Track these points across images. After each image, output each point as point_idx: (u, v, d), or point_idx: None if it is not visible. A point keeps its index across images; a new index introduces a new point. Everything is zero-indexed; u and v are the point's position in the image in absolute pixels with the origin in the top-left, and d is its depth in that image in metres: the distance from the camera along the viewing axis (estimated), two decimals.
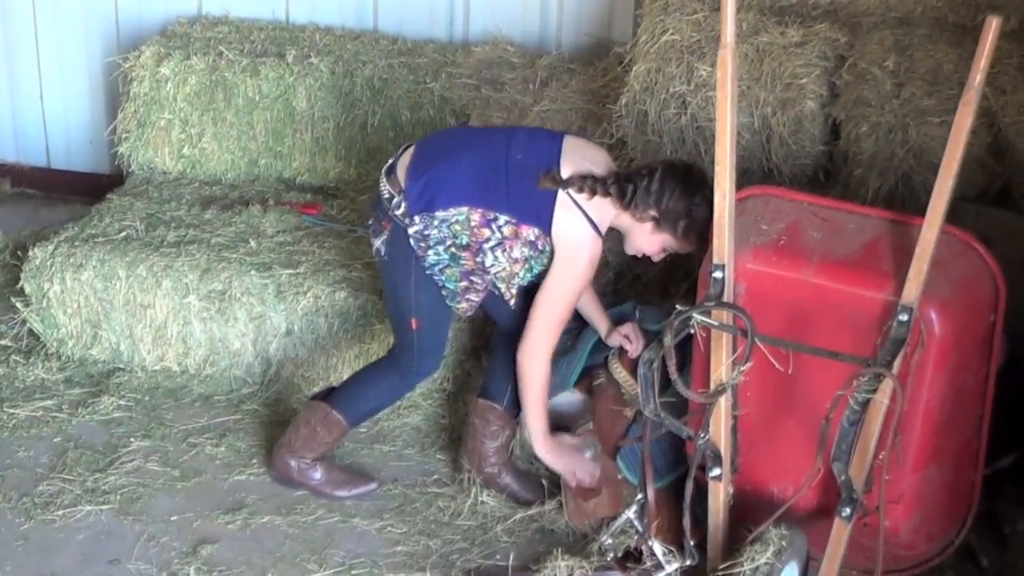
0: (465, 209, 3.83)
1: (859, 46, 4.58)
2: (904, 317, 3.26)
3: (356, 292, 4.69)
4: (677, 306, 3.51)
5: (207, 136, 5.60)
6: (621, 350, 4.16)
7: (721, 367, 3.52)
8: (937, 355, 3.31)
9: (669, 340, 3.46)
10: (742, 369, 3.44)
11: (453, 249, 3.87)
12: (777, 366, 3.45)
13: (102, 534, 4.08)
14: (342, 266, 4.83)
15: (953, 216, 3.30)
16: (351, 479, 4.29)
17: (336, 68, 5.49)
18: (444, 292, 3.97)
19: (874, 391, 3.30)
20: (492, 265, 3.88)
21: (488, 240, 3.85)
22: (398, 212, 3.87)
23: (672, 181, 3.80)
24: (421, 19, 5.86)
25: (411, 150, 3.96)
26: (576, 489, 4.08)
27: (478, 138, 4.08)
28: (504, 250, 3.86)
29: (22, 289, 4.92)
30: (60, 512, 4.14)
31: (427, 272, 3.91)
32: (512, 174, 3.82)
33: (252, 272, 4.76)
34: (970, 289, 3.41)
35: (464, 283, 3.95)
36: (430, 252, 3.88)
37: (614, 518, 3.95)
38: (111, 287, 4.81)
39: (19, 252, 5.41)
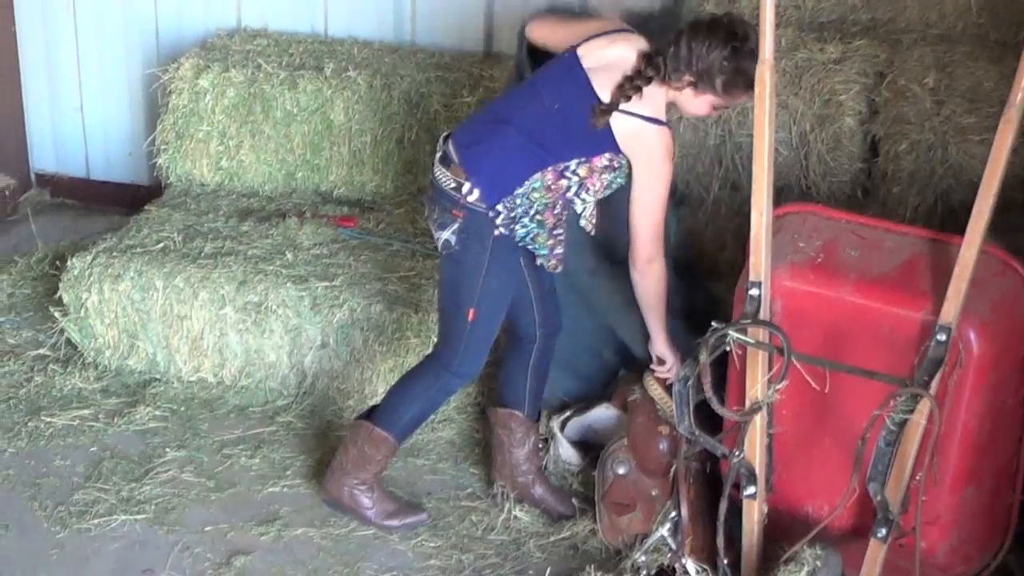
0: (538, 175, 3.82)
1: (899, 63, 4.55)
2: (942, 337, 3.23)
3: (392, 305, 4.69)
4: (713, 323, 3.50)
5: (245, 148, 5.62)
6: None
7: (757, 385, 3.51)
8: (975, 375, 3.28)
9: (704, 357, 3.45)
10: (778, 387, 3.42)
11: (537, 216, 3.88)
12: (813, 385, 3.43)
13: (136, 544, 4.10)
14: (378, 279, 4.83)
15: (993, 235, 3.28)
16: (400, 509, 4.23)
17: (374, 81, 5.50)
18: (539, 257, 3.96)
19: (911, 411, 3.28)
20: (583, 209, 3.91)
21: (568, 189, 3.85)
22: (471, 199, 3.83)
23: (697, 41, 3.70)
24: (458, 32, 5.86)
25: (451, 142, 3.92)
26: (610, 505, 4.06)
27: (505, 110, 3.95)
28: (586, 189, 3.86)
29: (60, 299, 4.95)
30: (95, 521, 4.16)
31: (520, 243, 3.91)
32: (559, 124, 3.80)
33: (288, 284, 4.77)
34: (1010, 309, 3.38)
35: (551, 242, 3.95)
36: (517, 227, 3.88)
37: (647, 535, 3.94)
38: (148, 298, 4.83)
39: (58, 262, 5.44)
